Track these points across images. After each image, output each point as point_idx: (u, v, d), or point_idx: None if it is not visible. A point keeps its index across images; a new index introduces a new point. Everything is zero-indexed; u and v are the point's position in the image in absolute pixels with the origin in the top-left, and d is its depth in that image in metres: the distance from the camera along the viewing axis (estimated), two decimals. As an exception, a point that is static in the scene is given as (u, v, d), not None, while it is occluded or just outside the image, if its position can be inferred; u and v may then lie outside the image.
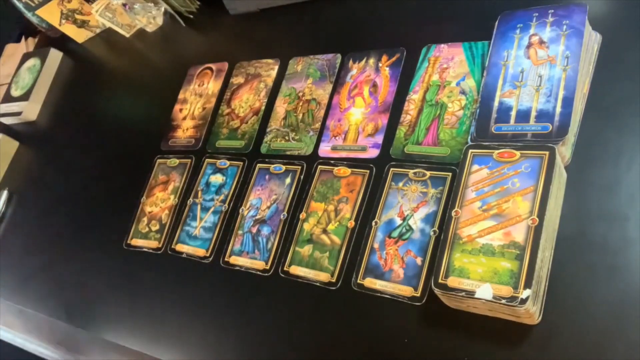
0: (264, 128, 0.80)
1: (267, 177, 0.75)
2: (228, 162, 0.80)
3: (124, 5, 1.06)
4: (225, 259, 0.72)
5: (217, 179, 0.80)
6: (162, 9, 1.05)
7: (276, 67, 0.84)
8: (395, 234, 0.60)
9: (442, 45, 0.69)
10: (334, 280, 0.62)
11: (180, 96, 0.94)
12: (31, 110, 1.17)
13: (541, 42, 0.58)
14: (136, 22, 1.09)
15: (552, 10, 0.58)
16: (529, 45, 0.58)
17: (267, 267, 0.68)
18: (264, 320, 0.66)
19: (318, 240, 0.66)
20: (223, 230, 0.75)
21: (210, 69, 0.93)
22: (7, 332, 0.93)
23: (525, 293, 0.46)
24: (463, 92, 0.65)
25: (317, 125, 0.75)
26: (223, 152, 0.82)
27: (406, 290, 0.57)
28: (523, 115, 0.55)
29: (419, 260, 0.58)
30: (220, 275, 0.72)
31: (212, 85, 0.90)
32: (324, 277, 0.63)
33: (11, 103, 1.19)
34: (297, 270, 0.66)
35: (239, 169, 0.78)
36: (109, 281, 0.83)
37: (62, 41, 1.23)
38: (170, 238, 0.80)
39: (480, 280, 0.49)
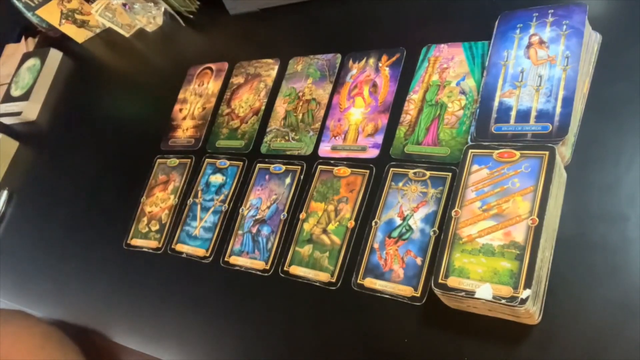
0: (264, 128, 0.80)
1: (267, 177, 0.75)
2: (228, 162, 0.80)
3: (124, 5, 1.06)
4: (225, 259, 0.72)
5: (217, 178, 0.80)
6: (162, 9, 1.05)
7: (276, 67, 0.84)
8: (395, 234, 0.60)
9: (442, 45, 0.69)
10: (334, 280, 0.62)
11: (180, 96, 0.94)
12: (31, 110, 1.17)
13: (541, 42, 0.58)
14: (136, 22, 1.09)
15: (552, 10, 0.58)
16: (529, 45, 0.58)
17: (267, 267, 0.68)
18: (263, 320, 0.66)
19: (318, 240, 0.66)
20: (223, 230, 0.75)
21: (210, 68, 0.93)
22: None
23: (525, 293, 0.46)
24: (463, 92, 0.65)
25: (317, 125, 0.75)
26: (223, 152, 0.82)
27: (406, 290, 0.57)
28: (523, 115, 0.55)
29: (419, 260, 0.58)
30: (220, 275, 0.72)
31: (212, 85, 0.90)
32: (324, 277, 0.63)
33: (11, 103, 1.19)
34: (297, 270, 0.66)
35: (239, 169, 0.78)
36: (109, 281, 0.83)
37: (62, 41, 1.23)
38: (170, 238, 0.80)
39: (480, 280, 0.49)
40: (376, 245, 0.61)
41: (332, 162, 0.70)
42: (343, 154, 0.70)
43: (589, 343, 0.47)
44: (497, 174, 0.53)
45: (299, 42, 0.86)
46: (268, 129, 0.79)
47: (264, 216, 0.72)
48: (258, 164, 0.77)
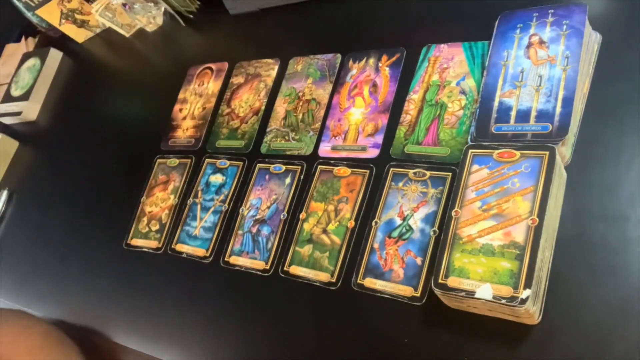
0: (264, 128, 0.80)
1: (267, 177, 0.75)
2: (228, 162, 0.80)
3: (124, 5, 1.06)
4: (225, 259, 0.72)
5: (217, 178, 0.80)
6: (162, 9, 1.05)
7: (276, 67, 0.84)
8: (395, 234, 0.60)
9: (442, 45, 0.69)
10: (334, 280, 0.62)
11: (180, 96, 0.94)
12: (31, 110, 1.17)
13: (541, 42, 0.58)
14: (136, 22, 1.09)
15: (552, 10, 0.58)
16: (529, 45, 0.58)
17: (267, 267, 0.68)
18: (263, 320, 0.66)
19: (318, 240, 0.66)
20: (223, 230, 0.75)
21: (210, 68, 0.93)
22: None
23: (525, 293, 0.46)
24: (463, 92, 0.65)
25: (317, 125, 0.75)
26: (223, 152, 0.82)
27: (406, 290, 0.57)
28: (523, 115, 0.55)
29: (419, 260, 0.58)
30: (220, 275, 0.72)
31: (212, 85, 0.90)
32: (324, 277, 0.63)
33: (11, 103, 1.19)
34: (297, 270, 0.66)
35: (239, 169, 0.78)
36: (109, 281, 0.83)
37: (62, 41, 1.23)
38: (170, 238, 0.80)
39: (480, 280, 0.49)
40: (376, 245, 0.61)
41: (332, 162, 0.70)
42: (343, 154, 0.70)
43: (589, 343, 0.47)
44: (497, 174, 0.53)
45: (299, 42, 0.86)
46: (268, 129, 0.79)
47: (264, 216, 0.72)
48: (258, 164, 0.77)
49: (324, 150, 0.72)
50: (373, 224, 0.62)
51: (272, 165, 0.75)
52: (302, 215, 0.68)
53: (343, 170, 0.69)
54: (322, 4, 0.85)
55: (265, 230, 0.71)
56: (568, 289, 0.50)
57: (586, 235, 0.51)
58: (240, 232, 0.73)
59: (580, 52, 0.55)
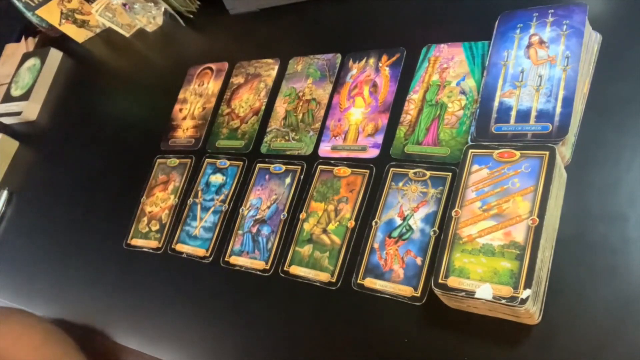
0: (264, 128, 0.80)
1: (267, 177, 0.75)
2: (228, 162, 0.80)
3: (124, 5, 1.06)
4: (225, 259, 0.72)
5: (217, 178, 0.80)
6: (162, 9, 1.05)
7: (276, 67, 0.84)
8: (395, 234, 0.60)
9: (442, 45, 0.69)
10: (334, 280, 0.62)
11: (180, 96, 0.94)
12: (31, 110, 1.17)
13: (541, 42, 0.58)
14: (136, 22, 1.09)
15: (552, 10, 0.58)
16: (529, 45, 0.58)
17: (267, 267, 0.68)
18: (263, 320, 0.66)
19: (318, 240, 0.66)
20: (223, 230, 0.75)
21: (210, 68, 0.93)
22: None
23: (525, 293, 0.46)
24: (463, 92, 0.65)
25: (317, 125, 0.75)
26: (223, 152, 0.82)
27: (406, 290, 0.57)
28: (523, 115, 0.55)
29: (419, 260, 0.58)
30: (220, 275, 0.72)
31: (212, 85, 0.90)
32: (324, 277, 0.63)
33: (11, 103, 1.19)
34: (297, 270, 0.66)
35: (239, 169, 0.78)
36: (109, 281, 0.83)
37: (62, 41, 1.24)
38: (170, 238, 0.80)
39: (480, 280, 0.49)
40: (376, 245, 0.61)
41: (332, 162, 0.70)
42: (343, 154, 0.70)
43: (589, 343, 0.47)
44: (497, 174, 0.53)
45: (299, 42, 0.86)
46: (268, 129, 0.79)
47: (264, 216, 0.72)
48: (258, 164, 0.77)
49: (324, 150, 0.72)
50: (373, 224, 0.62)
51: (272, 165, 0.75)
52: (302, 215, 0.68)
53: (343, 170, 0.69)
54: (322, 4, 0.85)
55: (265, 230, 0.71)
56: (568, 289, 0.50)
57: (586, 235, 0.51)
58: (240, 232, 0.73)
59: (580, 52, 0.55)
